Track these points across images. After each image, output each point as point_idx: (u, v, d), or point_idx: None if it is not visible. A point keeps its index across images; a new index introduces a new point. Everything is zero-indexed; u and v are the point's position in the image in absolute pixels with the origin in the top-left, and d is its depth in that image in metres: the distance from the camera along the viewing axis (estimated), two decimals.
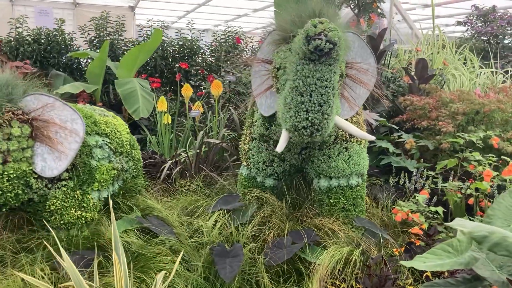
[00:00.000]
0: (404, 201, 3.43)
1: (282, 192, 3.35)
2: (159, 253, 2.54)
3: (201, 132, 3.78)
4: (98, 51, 5.41)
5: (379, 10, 5.98)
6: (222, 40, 6.21)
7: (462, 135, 3.60)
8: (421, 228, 2.93)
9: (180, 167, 3.54)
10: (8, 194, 2.44)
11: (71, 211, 2.71)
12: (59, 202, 2.66)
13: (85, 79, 5.23)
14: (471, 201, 3.26)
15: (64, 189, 2.67)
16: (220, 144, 3.69)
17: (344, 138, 3.08)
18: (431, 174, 3.55)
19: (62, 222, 2.70)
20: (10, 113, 2.46)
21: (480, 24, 7.95)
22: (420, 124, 4.11)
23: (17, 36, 5.28)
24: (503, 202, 2.43)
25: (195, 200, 3.26)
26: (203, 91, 5.32)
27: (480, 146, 3.65)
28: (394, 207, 3.23)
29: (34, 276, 2.29)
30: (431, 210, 3.13)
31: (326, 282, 2.50)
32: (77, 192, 2.73)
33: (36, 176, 2.55)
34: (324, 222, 2.94)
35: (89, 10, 12.34)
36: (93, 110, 3.12)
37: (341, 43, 2.28)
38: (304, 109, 2.35)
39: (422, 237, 2.91)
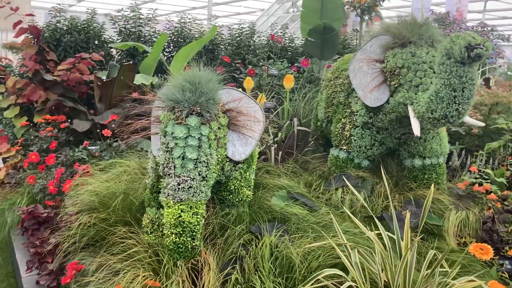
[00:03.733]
0: (459, 177, 4.26)
1: (377, 171, 3.98)
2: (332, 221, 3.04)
3: (295, 119, 4.26)
4: (127, 42, 5.55)
5: (378, 13, 6.79)
6: (236, 35, 6.61)
7: (505, 121, 4.51)
8: (501, 195, 3.76)
9: (281, 151, 4.01)
10: (214, 176, 2.78)
11: (244, 190, 3.10)
12: (238, 182, 3.04)
13: None
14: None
15: (241, 171, 3.05)
16: (310, 131, 4.23)
17: None
18: (481, 154, 4.42)
19: (236, 200, 3.08)
20: (220, 104, 2.79)
21: (438, 27, 9.19)
22: None
23: (55, 26, 5.24)
24: None
25: (312, 180, 3.78)
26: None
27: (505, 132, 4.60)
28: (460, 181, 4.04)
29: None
30: (495, 180, 3.97)
31: (456, 238, 3.21)
32: (247, 173, 3.12)
33: (227, 160, 2.90)
34: (427, 193, 3.64)
35: None
36: None
37: None
38: (457, 102, 3.01)
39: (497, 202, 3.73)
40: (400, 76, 3.46)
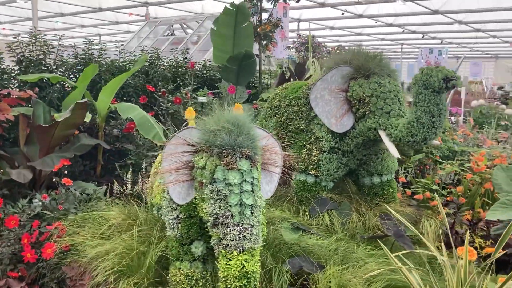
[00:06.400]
0: None
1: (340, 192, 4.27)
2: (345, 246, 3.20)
3: None
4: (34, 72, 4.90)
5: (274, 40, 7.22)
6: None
7: None
8: (443, 201, 4.36)
9: None
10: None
11: (264, 228, 3.05)
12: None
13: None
14: (437, 180, 4.89)
15: (262, 209, 3.00)
16: None
17: None
18: (409, 166, 5.05)
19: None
20: None
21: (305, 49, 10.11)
22: None
23: None
24: (499, 174, 4.03)
25: (291, 207, 3.88)
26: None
27: None
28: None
29: None
30: (431, 188, 4.60)
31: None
32: (264, 210, 3.08)
33: None
34: (393, 207, 4.06)
35: None
36: None
37: None
38: (435, 126, 3.45)
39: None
40: (370, 104, 3.79)
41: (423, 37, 16.95)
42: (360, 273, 2.75)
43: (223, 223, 2.43)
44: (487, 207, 4.45)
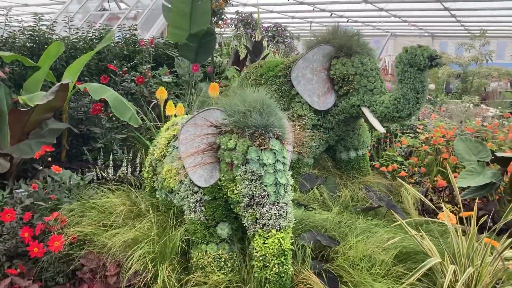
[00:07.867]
0: None
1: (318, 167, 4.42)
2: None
3: None
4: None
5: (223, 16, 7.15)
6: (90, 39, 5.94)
7: None
8: (410, 172, 4.69)
9: None
10: None
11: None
12: None
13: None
14: (396, 153, 5.24)
15: None
16: None
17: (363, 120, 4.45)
18: (372, 139, 5.33)
19: None
20: None
21: (244, 26, 10.06)
22: None
23: None
24: (459, 145, 4.42)
25: None
26: None
27: None
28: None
29: None
30: (397, 160, 4.92)
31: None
32: None
33: None
34: (370, 179, 4.30)
35: None
36: None
37: None
38: (419, 102, 3.68)
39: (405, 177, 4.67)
40: (354, 82, 3.94)
41: (331, 15, 17.56)
42: (374, 242, 2.91)
43: (259, 203, 2.44)
44: (439, 175, 4.87)
